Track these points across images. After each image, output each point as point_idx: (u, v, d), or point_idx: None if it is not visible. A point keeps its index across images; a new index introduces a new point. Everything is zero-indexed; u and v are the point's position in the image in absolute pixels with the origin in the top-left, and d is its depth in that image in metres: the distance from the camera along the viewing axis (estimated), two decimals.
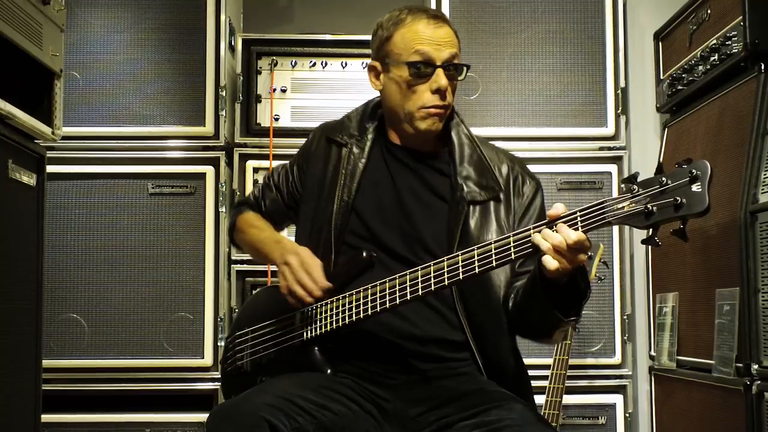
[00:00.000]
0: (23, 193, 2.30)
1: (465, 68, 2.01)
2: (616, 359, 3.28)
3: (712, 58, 2.90)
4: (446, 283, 1.78)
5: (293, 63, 3.37)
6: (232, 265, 3.28)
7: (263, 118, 3.36)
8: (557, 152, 3.33)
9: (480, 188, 1.98)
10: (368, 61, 2.08)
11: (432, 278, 1.79)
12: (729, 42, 2.77)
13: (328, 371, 1.91)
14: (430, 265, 1.80)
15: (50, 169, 2.53)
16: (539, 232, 1.68)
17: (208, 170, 3.24)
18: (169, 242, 3.21)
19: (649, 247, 3.27)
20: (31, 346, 2.35)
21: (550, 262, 1.66)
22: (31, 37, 2.24)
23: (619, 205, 1.60)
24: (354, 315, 1.88)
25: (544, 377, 2.98)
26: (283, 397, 1.72)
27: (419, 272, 1.81)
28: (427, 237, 1.96)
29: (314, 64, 3.37)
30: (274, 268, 2.20)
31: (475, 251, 1.75)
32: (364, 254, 1.90)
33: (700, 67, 3.01)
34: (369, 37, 2.09)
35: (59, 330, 3.15)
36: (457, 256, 1.77)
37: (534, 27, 3.36)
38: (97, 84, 3.26)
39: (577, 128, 3.35)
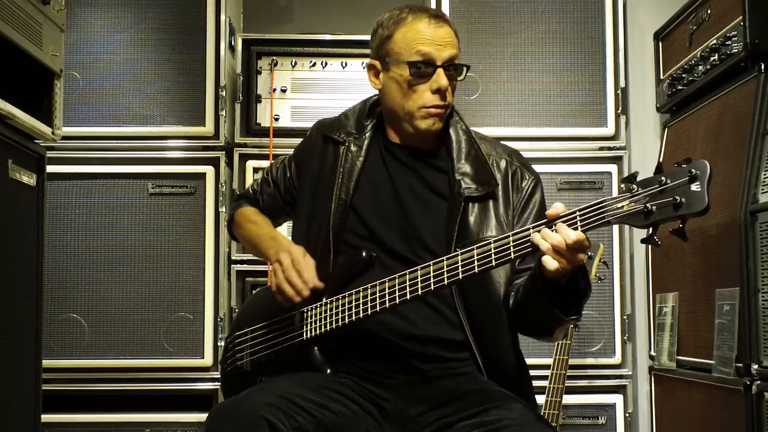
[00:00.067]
0: (23, 193, 2.30)
1: (465, 68, 2.01)
2: (616, 359, 3.28)
3: (712, 58, 2.90)
4: (446, 282, 1.78)
5: (293, 63, 3.37)
6: (232, 265, 3.28)
7: (263, 118, 3.36)
8: (557, 152, 3.34)
9: (477, 184, 1.97)
10: (368, 61, 2.08)
11: (432, 278, 1.79)
12: (729, 42, 2.77)
13: (328, 371, 1.90)
14: (429, 265, 1.80)
15: (50, 169, 2.53)
16: (538, 231, 1.68)
17: (208, 170, 3.24)
18: (169, 242, 3.21)
19: (649, 247, 3.27)
20: (31, 346, 2.35)
21: (550, 262, 1.66)
22: (31, 37, 2.24)
23: (619, 205, 1.60)
24: (354, 315, 1.87)
25: (544, 377, 2.98)
26: (282, 396, 1.72)
27: (419, 272, 1.81)
28: (425, 235, 1.96)
29: (314, 64, 3.37)
30: None
31: (475, 251, 1.75)
32: (364, 254, 1.90)
33: (700, 67, 3.01)
34: (369, 37, 2.08)
35: (59, 330, 3.15)
36: (457, 255, 1.77)
37: (534, 27, 3.36)
38: (97, 84, 3.26)
39: (577, 128, 3.35)
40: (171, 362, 3.18)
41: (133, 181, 3.23)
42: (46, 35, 2.34)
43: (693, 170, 1.53)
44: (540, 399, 2.93)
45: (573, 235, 1.64)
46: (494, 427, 1.72)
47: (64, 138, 2.63)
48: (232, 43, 3.40)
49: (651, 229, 1.59)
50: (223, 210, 3.21)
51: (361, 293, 1.87)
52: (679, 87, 3.22)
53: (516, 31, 3.36)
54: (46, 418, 2.63)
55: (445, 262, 1.78)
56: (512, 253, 1.71)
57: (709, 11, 2.98)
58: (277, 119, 3.35)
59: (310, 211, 2.06)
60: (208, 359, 3.18)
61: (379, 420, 1.85)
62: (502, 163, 2.03)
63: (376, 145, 2.07)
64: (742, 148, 2.62)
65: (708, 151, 2.88)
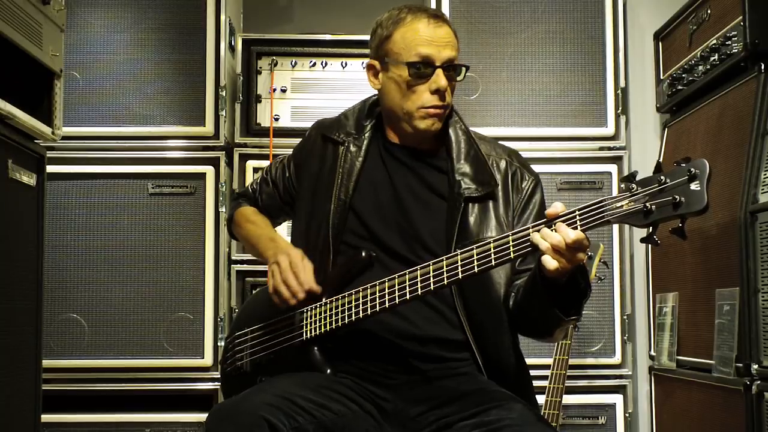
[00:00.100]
0: (23, 193, 2.30)
1: (464, 69, 2.01)
2: (616, 359, 3.28)
3: (712, 58, 2.90)
4: (445, 282, 1.78)
5: (293, 63, 3.37)
6: (232, 265, 3.28)
7: (263, 118, 3.36)
8: (557, 152, 3.34)
9: (477, 184, 1.97)
10: (367, 61, 2.08)
11: (431, 278, 1.79)
12: (729, 42, 2.77)
13: (328, 371, 1.90)
14: (429, 265, 1.80)
15: (50, 169, 2.53)
16: (538, 231, 1.68)
17: (208, 170, 3.24)
18: (169, 242, 3.21)
19: (649, 246, 3.27)
20: (31, 346, 2.35)
21: (550, 262, 1.66)
22: (31, 37, 2.25)
23: (618, 204, 1.60)
24: (353, 315, 1.87)
25: (544, 377, 2.98)
26: (282, 396, 1.72)
27: (418, 272, 1.81)
28: (425, 235, 1.96)
29: (314, 64, 3.37)
30: None
31: (474, 250, 1.75)
32: (364, 254, 1.90)
33: (700, 67, 3.01)
34: (369, 37, 2.08)
35: (59, 330, 3.15)
36: (457, 255, 1.77)
37: (534, 27, 3.36)
38: (97, 84, 3.26)
39: (577, 128, 3.35)
40: (171, 362, 3.18)
41: (133, 181, 3.23)
42: (46, 35, 2.34)
43: (692, 169, 1.53)
44: (540, 399, 2.93)
45: (572, 234, 1.64)
46: (494, 427, 1.71)
47: (64, 138, 2.63)
48: (232, 43, 3.40)
49: (651, 228, 1.59)
50: (223, 210, 3.21)
51: (360, 293, 1.87)
52: (679, 87, 3.22)
53: (516, 31, 3.36)
54: (46, 418, 2.63)
55: (444, 262, 1.78)
56: (512, 253, 1.71)
57: (709, 11, 2.98)
58: (277, 119, 3.35)
59: (310, 212, 2.06)
60: (208, 359, 3.18)
61: (379, 420, 1.85)
62: (502, 164, 2.03)
63: (376, 146, 2.07)
64: (742, 148, 2.62)
65: (708, 151, 2.88)
